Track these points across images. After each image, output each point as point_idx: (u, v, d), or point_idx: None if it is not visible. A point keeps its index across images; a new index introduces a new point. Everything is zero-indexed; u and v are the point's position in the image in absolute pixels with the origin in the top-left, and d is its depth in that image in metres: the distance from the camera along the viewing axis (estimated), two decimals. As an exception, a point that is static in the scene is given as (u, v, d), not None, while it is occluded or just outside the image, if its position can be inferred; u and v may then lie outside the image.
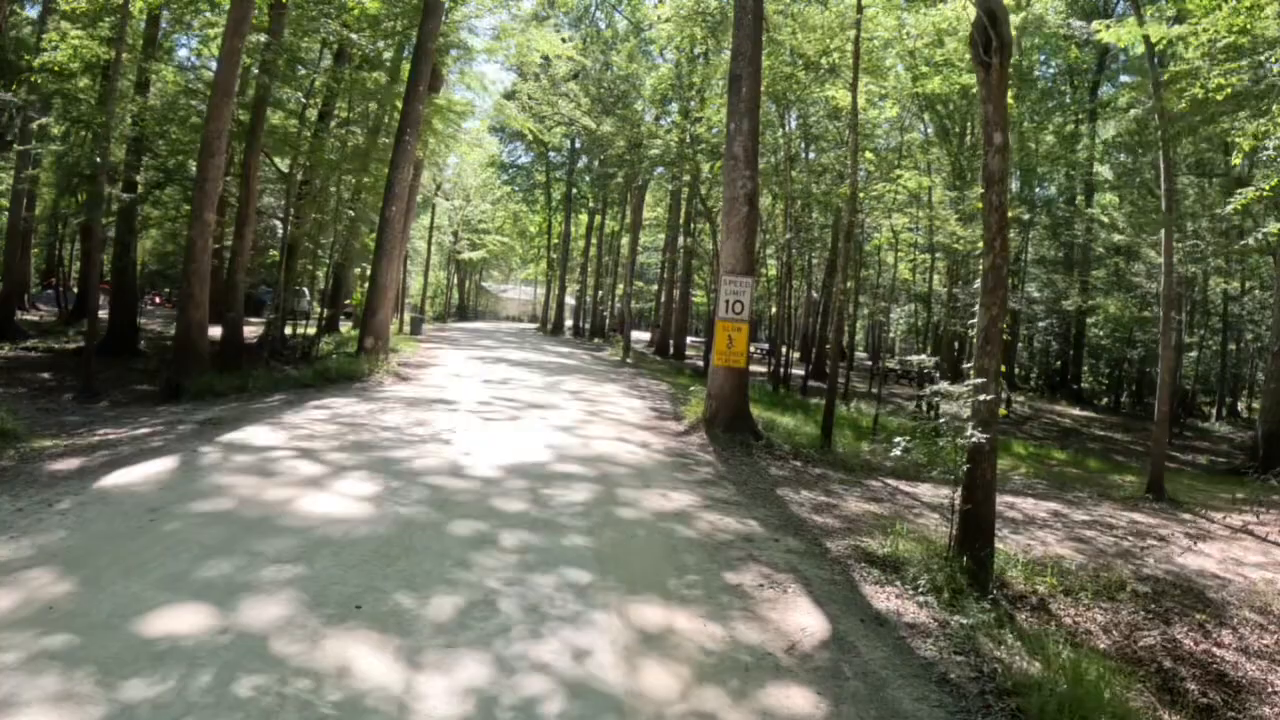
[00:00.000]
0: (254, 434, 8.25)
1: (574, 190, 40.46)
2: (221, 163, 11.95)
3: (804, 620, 4.58)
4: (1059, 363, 35.81)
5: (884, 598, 5.24)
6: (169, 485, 6.22)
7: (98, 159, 12.30)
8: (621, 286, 37.02)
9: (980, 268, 6.28)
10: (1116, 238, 28.30)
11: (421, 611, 4.04)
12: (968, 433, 6.00)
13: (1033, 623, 5.79)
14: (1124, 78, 32.83)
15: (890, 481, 10.17)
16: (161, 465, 6.86)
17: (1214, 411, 30.98)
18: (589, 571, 4.82)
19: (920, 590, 5.38)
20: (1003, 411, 6.34)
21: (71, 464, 7.07)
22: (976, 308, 6.32)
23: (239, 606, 3.99)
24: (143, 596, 4.09)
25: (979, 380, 6.07)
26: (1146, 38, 12.89)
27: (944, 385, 5.98)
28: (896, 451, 6.02)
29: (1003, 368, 6.42)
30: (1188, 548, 8.30)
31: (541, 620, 4.07)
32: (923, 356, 6.28)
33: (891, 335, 34.17)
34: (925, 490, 9.72)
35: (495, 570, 4.69)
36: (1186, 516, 10.58)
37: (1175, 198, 13.05)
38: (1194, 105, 17.07)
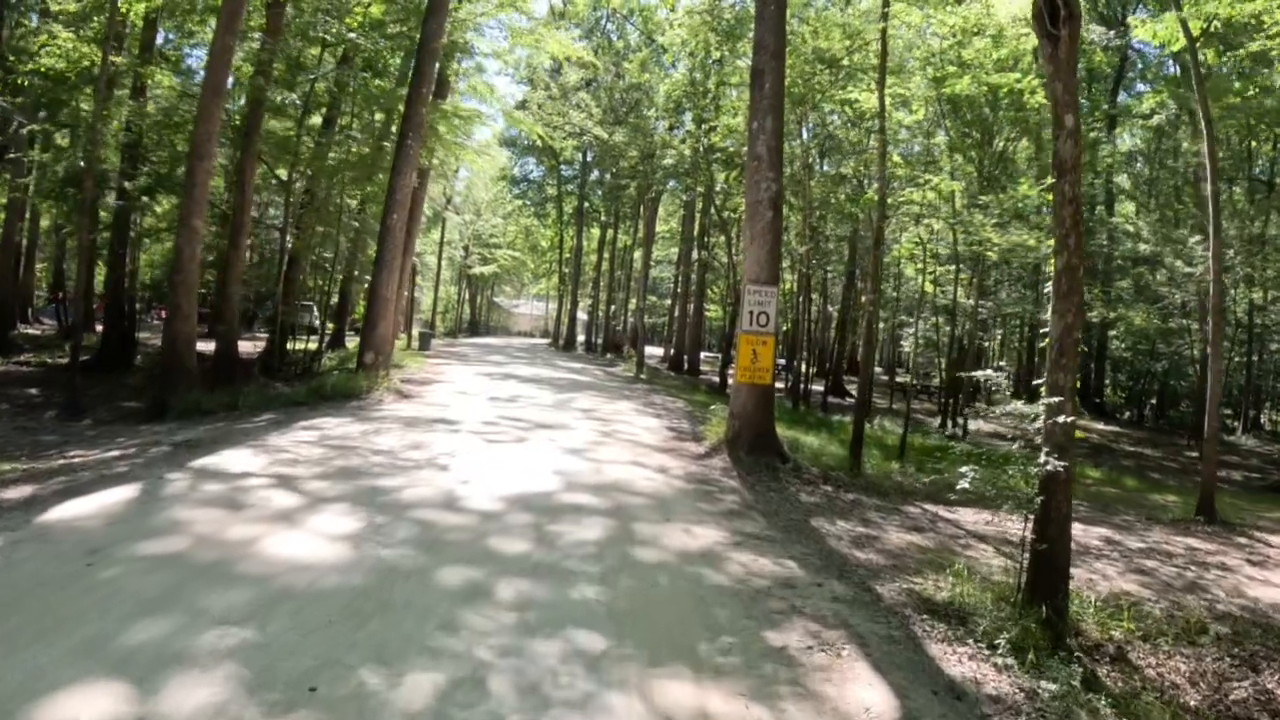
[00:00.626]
0: (230, 458, 7.46)
1: (586, 204, 39.78)
2: (211, 167, 11.27)
3: (866, 696, 3.71)
4: (1079, 375, 34.70)
5: (955, 660, 4.37)
6: (120, 520, 5.43)
7: (82, 163, 11.61)
8: (634, 301, 36.25)
9: (1051, 269, 5.45)
10: (1142, 247, 27.38)
11: (391, 695, 3.20)
12: (1041, 459, 5.17)
13: (1117, 679, 4.95)
14: (1141, 86, 32.14)
15: (928, 507, 9.34)
16: (119, 495, 6.07)
17: (1239, 425, 29.93)
18: (602, 634, 3.96)
19: (998, 649, 4.51)
20: (1079, 434, 5.48)
21: (23, 492, 6.32)
22: (1049, 315, 5.47)
23: (163, 687, 3.17)
24: (51, 670, 3.30)
25: (1054, 399, 5.22)
26: (1187, 30, 12.09)
27: (1017, 405, 5.12)
28: (964, 484, 5.15)
29: (1076, 383, 5.56)
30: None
31: (543, 707, 3.21)
32: (988, 371, 5.40)
33: (907, 349, 33.29)
34: (967, 516, 8.93)
35: (488, 634, 3.84)
36: (1242, 540, 9.77)
37: (1219, 201, 12.14)
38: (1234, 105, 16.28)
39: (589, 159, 37.72)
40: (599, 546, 5.44)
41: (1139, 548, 8.79)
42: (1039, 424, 5.22)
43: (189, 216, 11.05)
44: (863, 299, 32.25)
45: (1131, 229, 28.70)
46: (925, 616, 4.95)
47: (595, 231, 44.01)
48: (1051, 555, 5.33)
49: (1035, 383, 5.52)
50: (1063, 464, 5.17)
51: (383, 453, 8.10)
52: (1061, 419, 5.13)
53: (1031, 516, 5.33)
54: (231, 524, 5.36)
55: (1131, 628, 5.59)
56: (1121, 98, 32.66)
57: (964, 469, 5.14)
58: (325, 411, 10.97)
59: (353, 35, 14.28)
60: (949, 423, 21.69)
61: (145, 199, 15.26)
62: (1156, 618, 5.93)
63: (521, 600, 4.31)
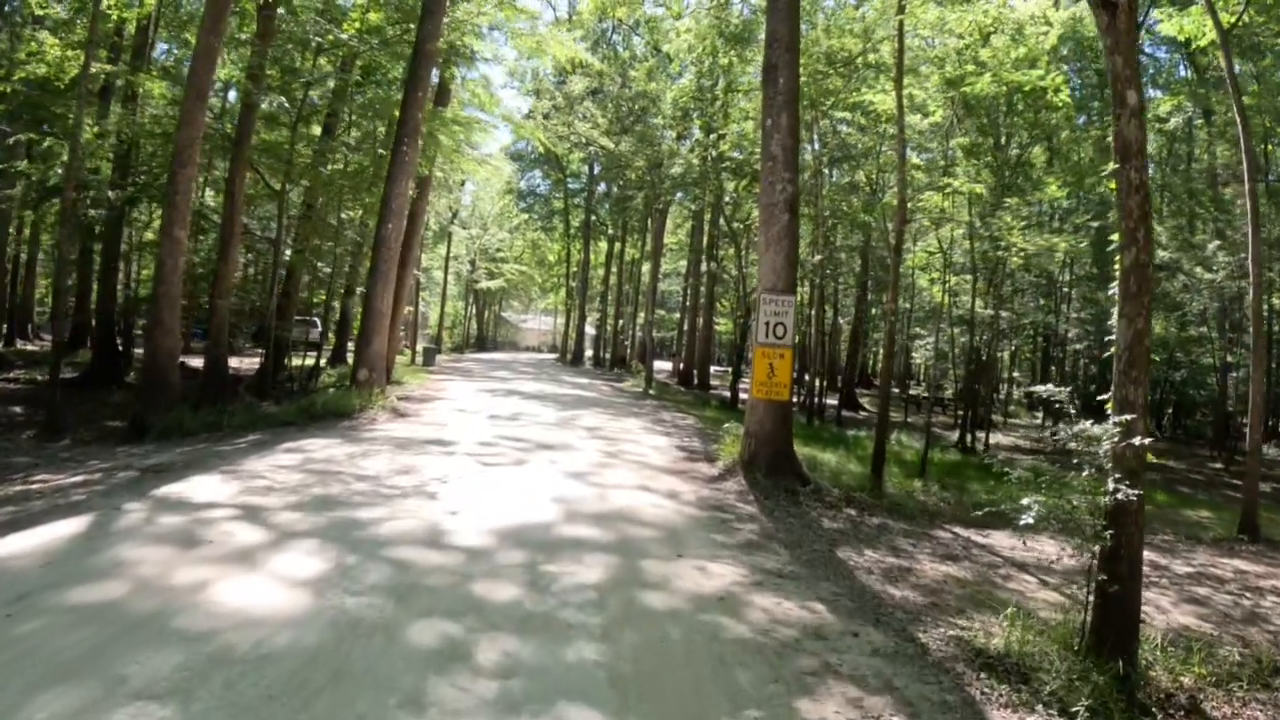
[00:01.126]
0: (199, 485, 6.81)
1: (593, 217, 39.26)
2: (194, 174, 10.68)
3: (927, 789, 3.01)
4: (1093, 387, 33.89)
5: (1025, 733, 3.66)
6: (59, 559, 4.78)
7: (59, 170, 11.06)
8: (642, 315, 35.59)
9: (1117, 266, 4.77)
10: (1161, 254, 26.67)
11: (328, 806, 2.52)
12: (1110, 486, 4.47)
13: (1197, 740, 4.27)
14: (1153, 92, 31.57)
15: (958, 531, 8.67)
16: (66, 529, 5.42)
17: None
18: (602, 710, 3.24)
19: (1075, 718, 3.80)
20: (1151, 457, 4.79)
21: (-37, 525, 5.67)
22: (1114, 320, 4.79)
23: (41, 795, 2.50)
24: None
25: (1126, 416, 4.53)
26: (1217, 20, 11.50)
27: (1087, 425, 4.42)
28: (1028, 519, 4.44)
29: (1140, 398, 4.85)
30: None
31: (521, 822, 2.53)
32: (1049, 386, 4.72)
33: (919, 361, 32.52)
34: (1001, 541, 8.25)
35: (460, 714, 3.12)
36: (1291, 560, 9.08)
37: (1258, 200, 11.45)
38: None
39: (595, 171, 37.23)
40: (600, 591, 4.71)
41: (1187, 573, 8.14)
42: (1106, 446, 4.51)
43: (171, 226, 10.46)
44: (874, 311, 31.63)
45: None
46: (981, 674, 4.23)
47: (603, 245, 43.50)
48: (1122, 598, 4.63)
49: (1100, 398, 4.82)
50: (1135, 492, 4.47)
51: (367, 478, 7.42)
52: (1136, 440, 4.44)
53: (1096, 552, 4.64)
54: (181, 565, 4.69)
55: (1203, 673, 4.91)
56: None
57: (1027, 500, 4.43)
58: (313, 432, 10.31)
59: (345, 37, 13.69)
60: (968, 436, 20.89)
61: (129, 209, 14.70)
62: (1230, 660, 5.25)
63: (506, 664, 3.60)
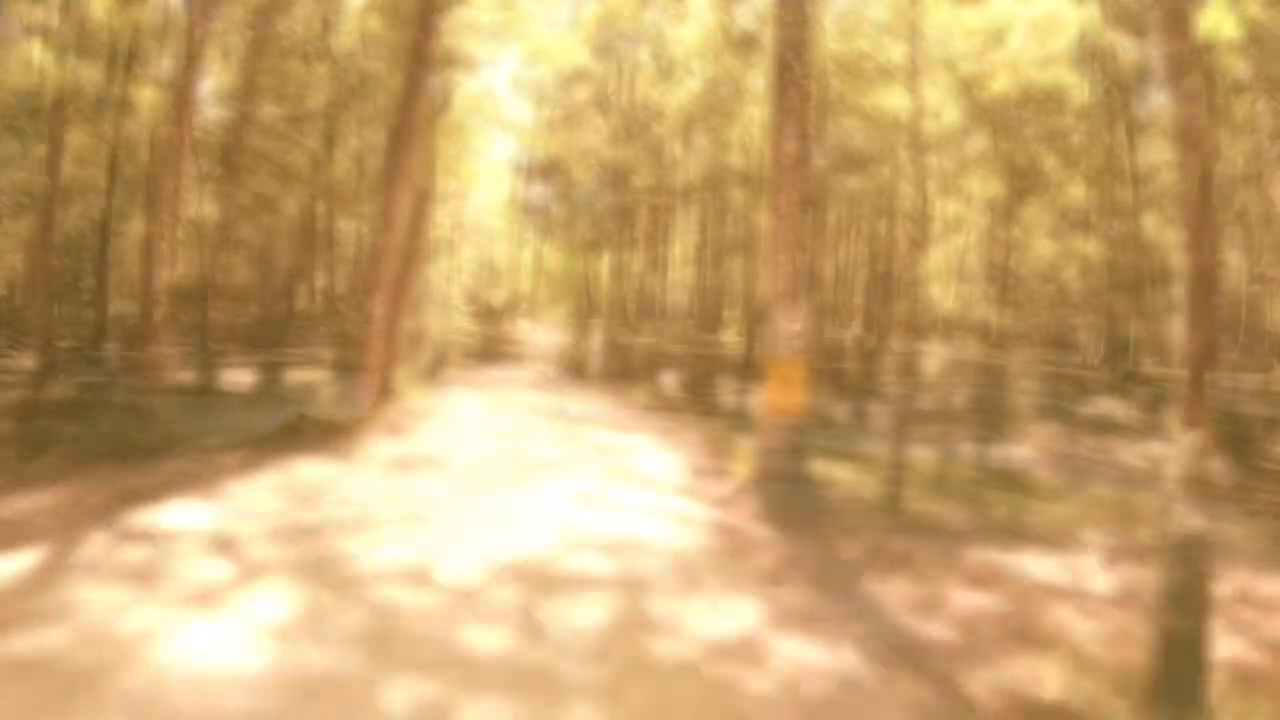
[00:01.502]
0: (172, 510, 6.33)
1: (598, 226, 38.91)
2: (180, 181, 10.25)
3: None
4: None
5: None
6: (1, 601, 4.29)
7: (46, 178, 10.70)
8: (651, 325, 35.14)
9: (1186, 270, 4.27)
10: (1174, 259, 26.15)
11: None
12: (1178, 509, 3.97)
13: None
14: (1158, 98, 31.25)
15: (986, 551, 8.11)
16: (15, 564, 4.92)
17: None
18: (602, 797, 2.75)
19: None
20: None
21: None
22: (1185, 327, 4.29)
23: None
24: None
25: (1194, 434, 4.01)
26: (1240, 20, 11.05)
27: (1154, 444, 3.92)
28: (1098, 554, 3.93)
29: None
30: None
31: None
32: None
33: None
34: (1030, 562, 7.71)
35: (431, 804, 2.65)
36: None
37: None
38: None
39: (600, 182, 36.96)
40: (603, 637, 4.17)
41: (1229, 594, 7.59)
42: (1175, 467, 4.00)
43: (156, 238, 10.04)
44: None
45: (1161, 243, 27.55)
46: (1042, 736, 3.71)
47: (607, 255, 43.16)
48: (1191, 638, 4.11)
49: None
50: (1207, 518, 3.96)
51: (353, 503, 6.93)
52: (1209, 462, 3.93)
53: (1163, 584, 4.13)
54: (135, 607, 4.20)
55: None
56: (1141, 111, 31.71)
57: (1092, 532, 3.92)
58: (304, 450, 9.83)
59: (342, 40, 13.33)
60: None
61: (118, 218, 14.34)
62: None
63: (491, 734, 3.10)
